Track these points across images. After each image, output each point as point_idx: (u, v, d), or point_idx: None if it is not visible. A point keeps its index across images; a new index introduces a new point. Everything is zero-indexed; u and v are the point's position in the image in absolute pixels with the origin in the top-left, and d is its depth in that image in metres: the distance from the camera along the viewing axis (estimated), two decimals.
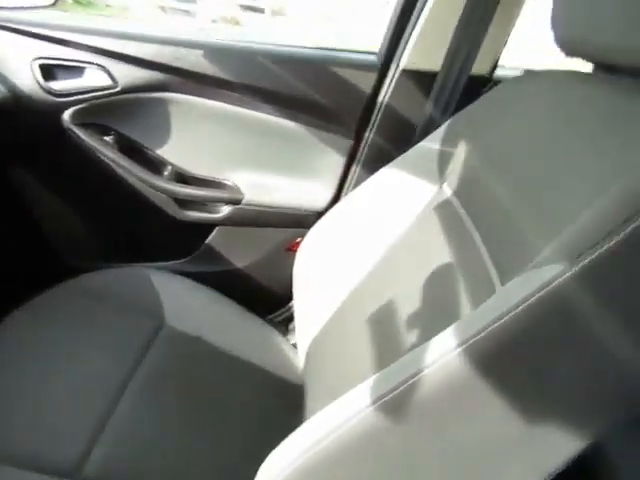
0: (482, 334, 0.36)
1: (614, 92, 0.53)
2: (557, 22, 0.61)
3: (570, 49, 0.60)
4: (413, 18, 0.97)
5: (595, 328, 0.37)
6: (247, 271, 1.16)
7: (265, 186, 1.08)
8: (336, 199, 1.10)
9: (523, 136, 0.60)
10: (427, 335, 0.41)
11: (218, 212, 1.09)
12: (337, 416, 0.41)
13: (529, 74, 0.72)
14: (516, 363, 0.38)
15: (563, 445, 0.40)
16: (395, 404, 0.39)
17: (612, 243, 0.35)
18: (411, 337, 0.55)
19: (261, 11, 3.75)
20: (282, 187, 1.09)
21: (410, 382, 0.38)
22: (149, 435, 0.67)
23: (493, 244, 0.53)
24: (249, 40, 1.04)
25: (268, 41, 1.05)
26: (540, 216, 0.46)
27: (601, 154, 0.45)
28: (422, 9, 0.95)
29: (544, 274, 0.36)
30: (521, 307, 0.36)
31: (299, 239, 1.09)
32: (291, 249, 1.13)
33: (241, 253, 1.14)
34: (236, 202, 1.07)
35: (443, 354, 0.38)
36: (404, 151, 0.82)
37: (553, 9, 0.62)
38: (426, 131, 0.94)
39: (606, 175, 0.41)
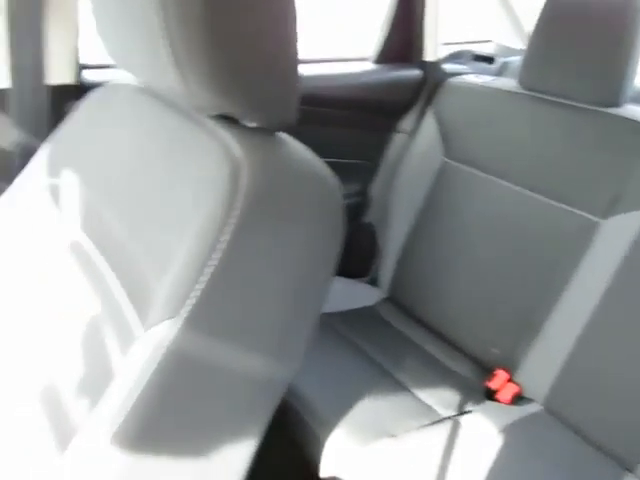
0: (123, 419, 0.37)
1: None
2: None
3: None
4: None
5: (223, 363, 0.40)
6: None
7: None
8: None
9: (117, 155, 0.55)
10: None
11: None
12: None
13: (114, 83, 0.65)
14: (163, 433, 0.40)
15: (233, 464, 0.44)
16: None
17: (204, 285, 0.37)
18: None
19: None
20: None
21: None
22: None
23: (129, 287, 0.47)
24: None
25: None
26: (149, 254, 0.44)
27: (179, 175, 0.45)
28: None
29: (156, 337, 0.38)
30: (147, 380, 0.37)
31: None
32: None
33: None
34: None
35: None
36: None
37: None
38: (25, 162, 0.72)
39: (186, 203, 0.42)
